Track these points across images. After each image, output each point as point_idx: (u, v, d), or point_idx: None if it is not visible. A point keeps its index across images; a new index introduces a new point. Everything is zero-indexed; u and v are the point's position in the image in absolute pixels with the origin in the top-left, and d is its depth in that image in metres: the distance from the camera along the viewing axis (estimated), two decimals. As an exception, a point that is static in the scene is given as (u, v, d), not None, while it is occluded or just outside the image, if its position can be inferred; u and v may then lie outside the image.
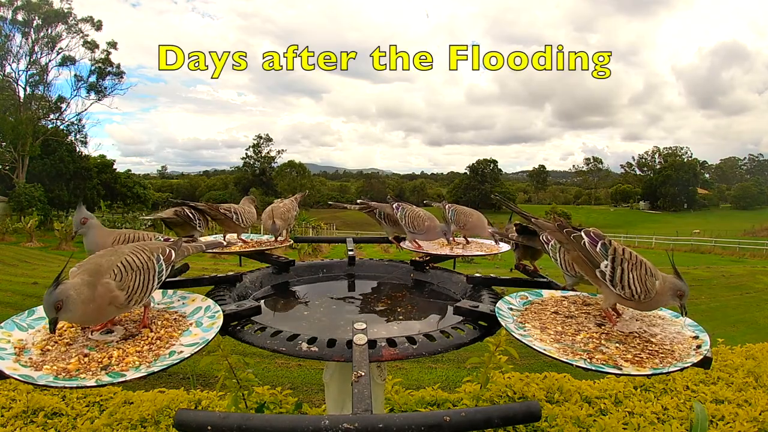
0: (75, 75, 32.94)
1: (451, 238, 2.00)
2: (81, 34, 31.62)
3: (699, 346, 1.08)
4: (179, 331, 1.13)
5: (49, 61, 31.55)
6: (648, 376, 1.00)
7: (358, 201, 2.29)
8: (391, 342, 1.13)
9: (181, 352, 1.02)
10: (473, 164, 65.76)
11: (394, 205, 2.07)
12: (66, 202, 29.79)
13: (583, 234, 1.29)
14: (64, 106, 33.29)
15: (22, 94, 30.93)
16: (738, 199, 62.55)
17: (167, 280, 1.60)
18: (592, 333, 1.18)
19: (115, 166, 39.34)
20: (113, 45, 33.15)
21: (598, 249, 1.24)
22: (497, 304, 1.29)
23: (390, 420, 0.82)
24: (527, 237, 1.68)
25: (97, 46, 32.42)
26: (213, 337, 1.10)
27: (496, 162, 66.30)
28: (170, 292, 1.37)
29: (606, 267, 1.21)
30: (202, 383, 3.72)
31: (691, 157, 68.34)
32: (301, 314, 1.58)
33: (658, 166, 68.72)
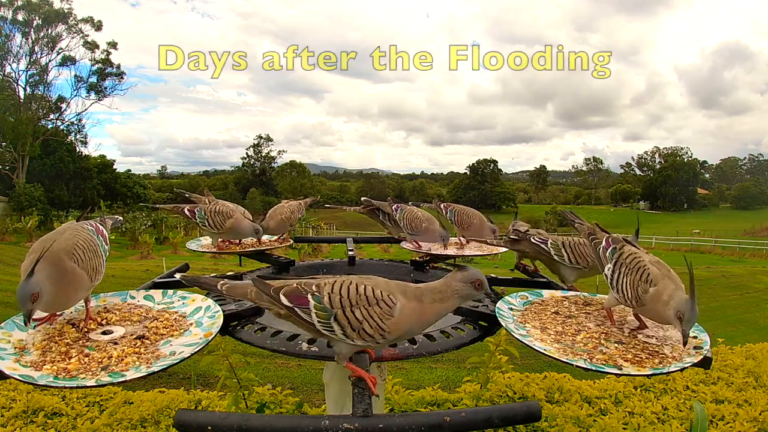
0: (75, 75, 33.00)
1: (447, 244, 1.99)
2: (81, 35, 31.66)
3: (698, 347, 1.08)
4: (179, 331, 1.13)
5: (49, 61, 31.61)
6: (648, 376, 1.01)
7: (363, 199, 2.28)
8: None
9: (181, 352, 1.02)
10: (473, 164, 65.75)
11: (393, 206, 2.07)
12: (66, 202, 29.82)
13: (603, 239, 1.31)
14: (64, 106, 33.35)
15: (22, 94, 30.99)
16: (738, 199, 62.44)
17: (167, 280, 1.60)
18: (592, 333, 1.18)
19: (115, 166, 39.39)
20: (113, 45, 33.18)
21: (607, 253, 1.27)
22: (497, 304, 1.29)
23: (390, 420, 0.82)
24: (513, 242, 1.77)
25: (97, 47, 32.46)
26: (213, 337, 1.10)
27: (496, 162, 66.30)
28: (170, 292, 1.37)
29: (608, 270, 1.24)
30: (202, 383, 3.72)
31: (691, 157, 68.37)
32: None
33: (657, 166, 68.72)
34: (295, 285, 0.97)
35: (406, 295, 0.95)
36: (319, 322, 0.92)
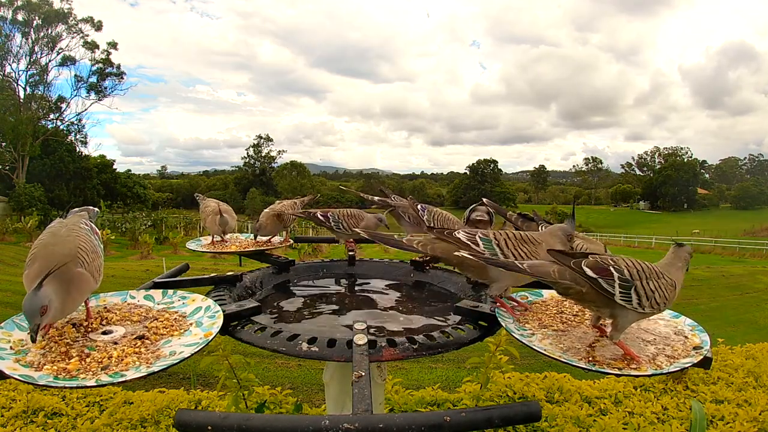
0: (75, 75, 33.00)
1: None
2: (81, 35, 31.65)
3: (698, 347, 1.08)
4: (179, 331, 1.13)
5: (49, 61, 31.61)
6: (648, 376, 1.01)
7: (377, 199, 2.16)
8: (391, 342, 1.13)
9: (181, 352, 1.02)
10: (473, 164, 65.75)
11: (418, 207, 2.01)
12: (66, 202, 29.79)
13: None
14: (64, 106, 33.36)
15: (22, 94, 30.97)
16: (738, 199, 62.36)
17: (167, 280, 1.60)
18: (592, 333, 1.18)
19: (115, 166, 39.38)
20: (113, 45, 33.18)
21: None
22: (497, 304, 1.29)
23: (390, 420, 0.82)
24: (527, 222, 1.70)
25: (97, 47, 32.47)
26: (213, 337, 1.10)
27: (497, 162, 66.26)
28: (170, 292, 1.37)
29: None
30: (202, 383, 3.72)
31: (691, 157, 68.38)
32: (301, 314, 1.58)
33: (657, 166, 68.68)
34: (591, 259, 1.06)
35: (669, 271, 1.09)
36: (621, 292, 1.02)
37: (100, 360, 0.99)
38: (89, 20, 31.58)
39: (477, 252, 1.20)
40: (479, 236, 1.24)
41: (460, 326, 1.24)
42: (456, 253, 1.21)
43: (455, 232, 1.28)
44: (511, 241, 1.23)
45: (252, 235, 2.18)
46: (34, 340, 0.96)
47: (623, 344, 1.07)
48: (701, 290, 9.57)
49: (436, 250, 1.30)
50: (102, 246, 1.27)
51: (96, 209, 1.44)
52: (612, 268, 1.03)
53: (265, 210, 2.12)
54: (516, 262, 1.13)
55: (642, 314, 1.05)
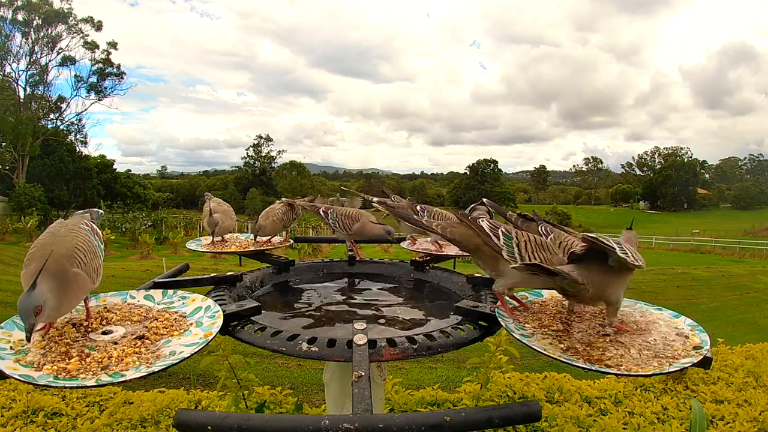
0: (75, 75, 33.03)
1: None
2: (81, 35, 31.66)
3: (698, 347, 1.08)
4: (179, 331, 1.13)
5: (49, 61, 31.62)
6: (648, 376, 1.00)
7: (376, 200, 2.16)
8: (391, 342, 1.13)
9: (181, 352, 1.02)
10: (473, 164, 65.64)
11: (417, 207, 2.02)
12: (66, 202, 29.80)
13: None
14: (64, 106, 33.38)
15: (22, 94, 30.97)
16: (738, 199, 62.35)
17: (167, 280, 1.60)
18: (592, 333, 1.18)
19: (115, 166, 39.41)
20: (113, 45, 33.20)
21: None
22: (497, 304, 1.29)
23: (390, 420, 0.82)
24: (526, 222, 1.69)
25: (97, 47, 32.49)
26: (213, 337, 1.10)
27: (497, 162, 66.07)
28: (170, 292, 1.37)
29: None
30: (202, 383, 3.72)
31: (691, 157, 68.40)
32: (301, 314, 1.58)
33: (657, 167, 68.68)
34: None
35: None
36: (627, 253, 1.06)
37: (100, 360, 0.98)
38: (89, 20, 31.60)
39: (496, 244, 1.22)
40: (502, 230, 1.25)
41: (460, 326, 1.24)
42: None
43: (479, 220, 1.29)
44: (530, 245, 1.24)
45: (251, 235, 2.18)
46: (28, 340, 0.96)
47: (622, 327, 1.13)
48: (701, 290, 9.58)
49: (455, 234, 1.30)
50: (103, 246, 1.27)
51: (100, 211, 1.43)
52: (608, 241, 1.07)
53: (272, 205, 2.12)
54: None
55: (630, 273, 1.11)
